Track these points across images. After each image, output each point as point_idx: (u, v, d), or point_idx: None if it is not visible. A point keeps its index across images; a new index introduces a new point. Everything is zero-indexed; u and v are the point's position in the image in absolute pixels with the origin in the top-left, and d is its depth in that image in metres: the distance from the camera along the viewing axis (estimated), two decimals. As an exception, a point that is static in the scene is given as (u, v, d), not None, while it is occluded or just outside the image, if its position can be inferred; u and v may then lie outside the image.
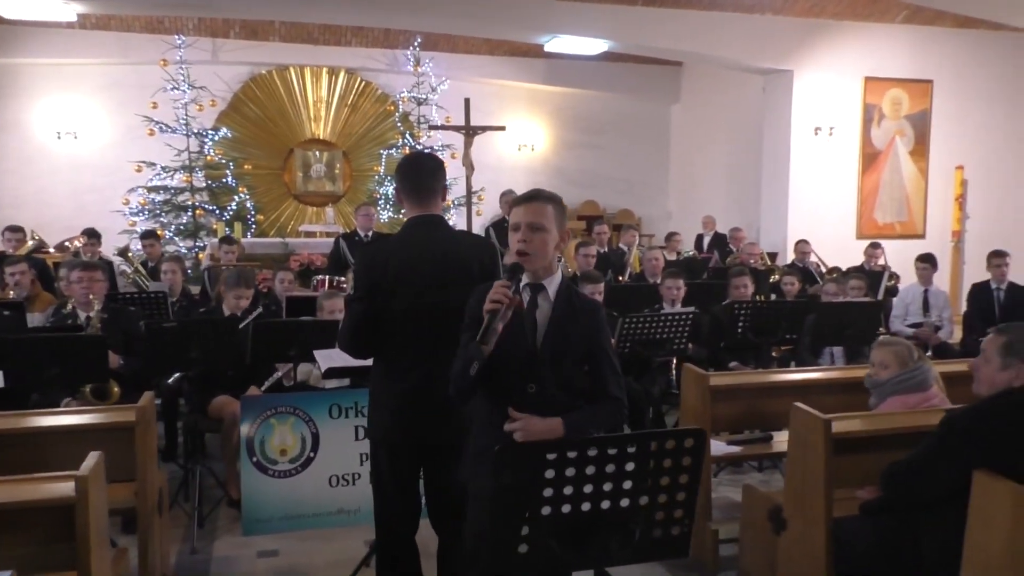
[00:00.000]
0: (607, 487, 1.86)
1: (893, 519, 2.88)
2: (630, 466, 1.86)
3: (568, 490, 1.84)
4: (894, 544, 2.85)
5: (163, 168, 11.58)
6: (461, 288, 2.84)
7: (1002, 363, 2.73)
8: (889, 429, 3.24)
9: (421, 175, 3.03)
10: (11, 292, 6.04)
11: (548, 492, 1.83)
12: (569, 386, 2.40)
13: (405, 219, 3.07)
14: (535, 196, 2.43)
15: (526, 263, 2.36)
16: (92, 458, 2.58)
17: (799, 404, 3.26)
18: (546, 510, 1.85)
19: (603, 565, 1.94)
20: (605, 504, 1.87)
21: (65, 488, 2.52)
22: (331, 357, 3.73)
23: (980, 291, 7.29)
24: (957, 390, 3.57)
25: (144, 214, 11.59)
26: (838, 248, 10.04)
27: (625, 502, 1.89)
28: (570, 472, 1.82)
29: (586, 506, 1.86)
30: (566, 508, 1.85)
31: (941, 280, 7.80)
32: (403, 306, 2.91)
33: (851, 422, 3.26)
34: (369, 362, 3.38)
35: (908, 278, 8.60)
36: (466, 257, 2.98)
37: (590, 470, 1.84)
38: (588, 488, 1.85)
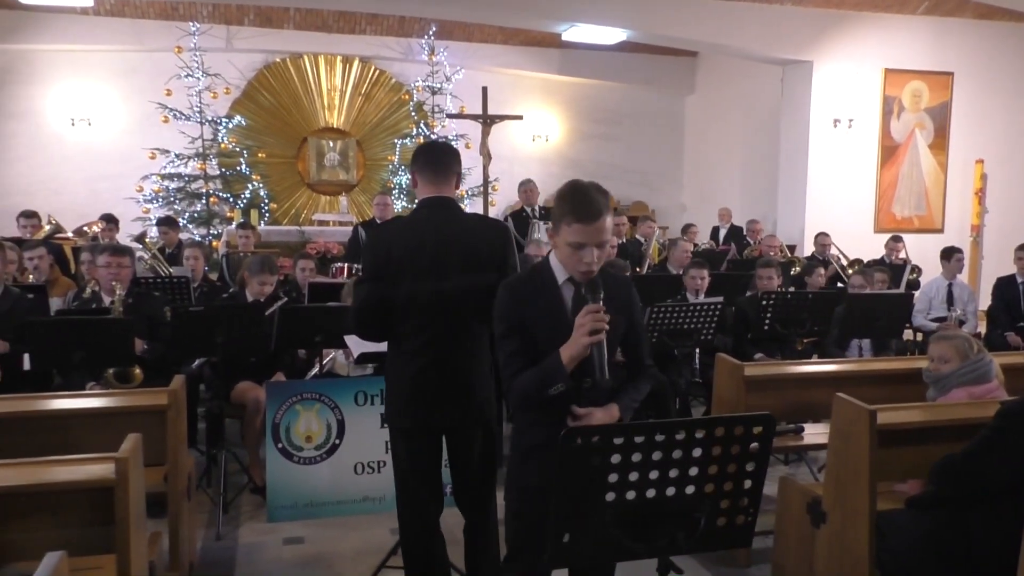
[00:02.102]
0: (673, 473, 1.80)
1: (943, 513, 2.82)
2: (697, 452, 1.80)
3: (633, 476, 1.78)
4: (943, 539, 2.79)
5: (177, 155, 11.55)
6: (466, 272, 2.88)
7: (1060, 353, 2.68)
8: (935, 421, 3.17)
9: (439, 155, 3.02)
10: (30, 276, 6.00)
11: (613, 478, 1.77)
12: (614, 369, 2.35)
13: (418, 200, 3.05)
14: (599, 212, 2.21)
15: (591, 275, 2.30)
16: (131, 440, 2.54)
17: (842, 395, 3.19)
18: (610, 496, 1.79)
19: (668, 554, 1.88)
20: (670, 491, 1.81)
21: (103, 470, 2.48)
22: (362, 343, 3.68)
23: (1005, 285, 7.20)
24: (1012, 381, 3.50)
25: (158, 201, 11.55)
26: (856, 241, 9.94)
27: (690, 489, 1.83)
28: (636, 457, 1.76)
29: (651, 493, 1.81)
30: (631, 495, 1.79)
31: (960, 274, 7.72)
32: (406, 290, 2.88)
33: (895, 413, 3.19)
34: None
35: (927, 272, 8.54)
36: (475, 240, 2.95)
37: (656, 455, 1.78)
38: (654, 474, 1.79)
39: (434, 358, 2.90)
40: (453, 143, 12.41)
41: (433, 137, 12.46)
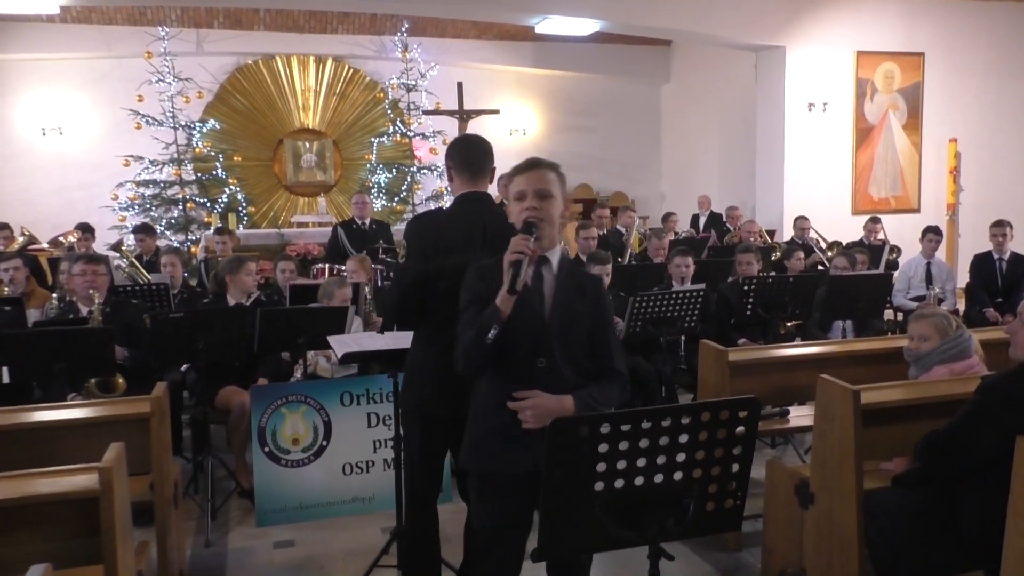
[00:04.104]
0: (660, 460, 1.81)
1: (929, 490, 2.84)
2: (684, 438, 1.81)
3: (621, 464, 1.78)
4: (930, 516, 2.81)
5: (151, 162, 11.45)
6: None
7: (1039, 326, 2.70)
8: (918, 399, 3.19)
9: (476, 152, 3.09)
10: (6, 289, 5.92)
11: (601, 467, 1.77)
12: (576, 362, 2.33)
13: (455, 196, 3.11)
14: (537, 163, 2.43)
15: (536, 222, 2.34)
16: (114, 449, 2.51)
17: (826, 376, 3.21)
18: (599, 486, 1.79)
19: (658, 541, 1.88)
20: (659, 478, 1.82)
21: (87, 481, 2.45)
22: (345, 343, 3.65)
23: (982, 262, 7.29)
24: (991, 357, 3.53)
25: (134, 209, 11.44)
26: (834, 224, 10.02)
27: (679, 475, 1.84)
28: (624, 446, 1.76)
29: (639, 480, 1.81)
30: (619, 483, 1.80)
31: (937, 252, 7.80)
32: (450, 275, 2.89)
33: (879, 392, 3.20)
34: (385, 346, 3.36)
35: (905, 252, 8.61)
36: (509, 232, 3.02)
37: (644, 443, 1.78)
38: (642, 462, 1.79)
39: None
40: (429, 140, 12.45)
41: (410, 134, 12.41)
